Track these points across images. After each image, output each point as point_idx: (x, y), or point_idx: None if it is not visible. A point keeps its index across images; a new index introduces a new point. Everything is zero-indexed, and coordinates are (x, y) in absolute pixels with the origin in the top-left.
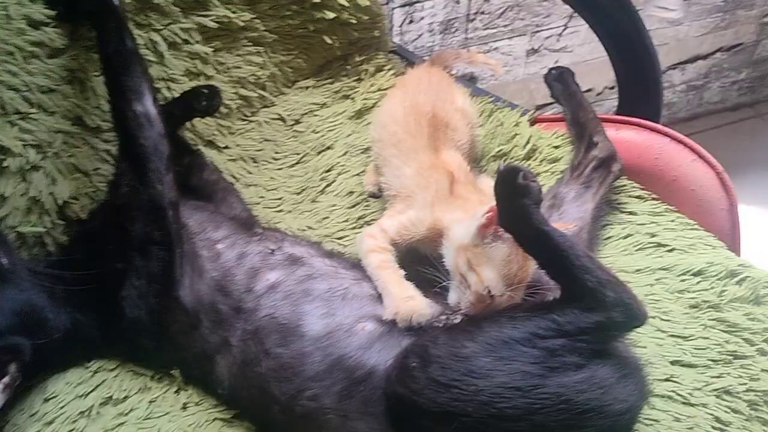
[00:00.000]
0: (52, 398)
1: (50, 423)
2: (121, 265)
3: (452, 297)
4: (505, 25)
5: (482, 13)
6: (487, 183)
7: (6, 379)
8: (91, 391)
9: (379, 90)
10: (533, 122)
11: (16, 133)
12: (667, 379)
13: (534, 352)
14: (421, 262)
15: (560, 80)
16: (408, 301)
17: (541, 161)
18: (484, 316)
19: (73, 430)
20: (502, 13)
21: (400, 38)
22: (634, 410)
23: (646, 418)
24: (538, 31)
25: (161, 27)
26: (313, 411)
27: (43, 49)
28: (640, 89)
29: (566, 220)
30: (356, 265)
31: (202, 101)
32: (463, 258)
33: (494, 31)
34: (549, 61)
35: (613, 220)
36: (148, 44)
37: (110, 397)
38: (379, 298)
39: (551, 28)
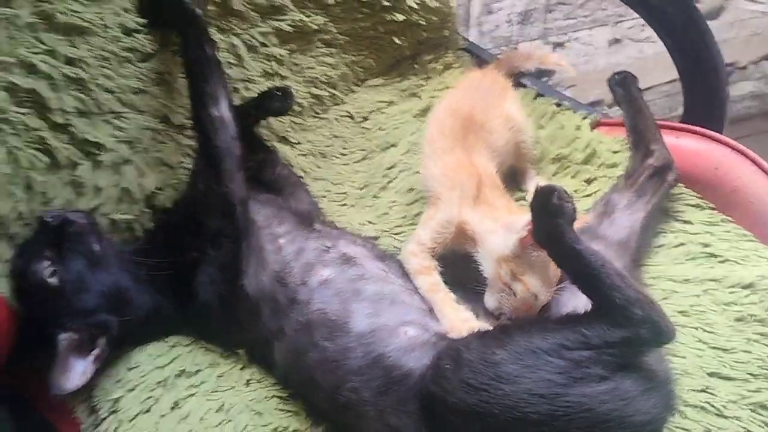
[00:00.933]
0: (134, 368)
1: (132, 390)
2: (196, 254)
3: (491, 303)
4: (586, 16)
5: (562, 3)
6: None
7: (96, 351)
8: (168, 364)
9: (447, 88)
10: (594, 126)
11: (111, 131)
12: (702, 390)
13: (560, 362)
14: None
15: (622, 85)
16: (465, 323)
17: (599, 166)
18: (515, 324)
19: (150, 397)
20: (583, 4)
21: (478, 29)
22: (656, 422)
23: (677, 427)
24: (620, 21)
25: (241, 31)
26: (353, 402)
27: (134, 54)
28: (704, 98)
29: (616, 228)
30: (406, 273)
31: (275, 102)
32: (506, 269)
33: (574, 21)
34: (632, 51)
35: (666, 228)
36: (228, 48)
37: (184, 370)
38: (428, 312)
39: (634, 18)
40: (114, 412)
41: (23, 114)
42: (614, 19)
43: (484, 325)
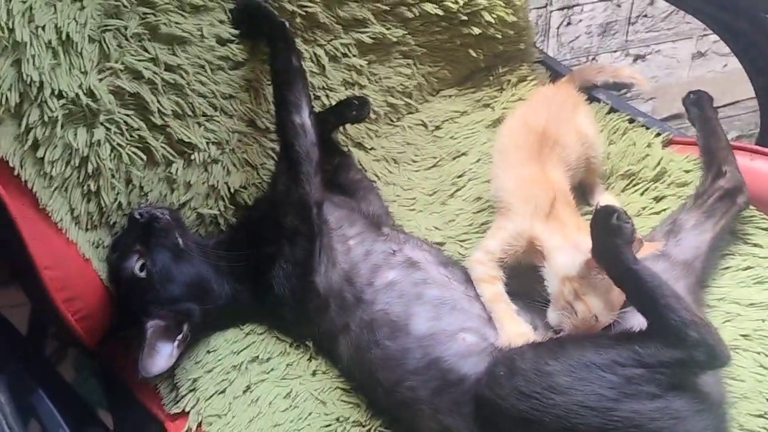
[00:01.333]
0: (213, 351)
1: (210, 371)
2: (273, 250)
3: (553, 319)
4: (669, 29)
5: (645, 16)
6: (606, 201)
7: (180, 336)
8: (243, 350)
9: (520, 99)
10: (667, 144)
11: (203, 132)
12: (760, 416)
13: (612, 377)
14: (520, 274)
15: (697, 104)
16: (521, 337)
17: (669, 184)
18: (570, 338)
19: (225, 379)
20: (666, 17)
21: (557, 39)
22: None
23: None
24: (705, 35)
25: (324, 42)
26: (410, 400)
27: (227, 63)
28: None
29: (682, 248)
30: (468, 280)
31: (353, 110)
32: (569, 288)
33: (657, 34)
34: (716, 65)
35: (734, 251)
36: (312, 57)
37: (257, 357)
38: (487, 320)
39: None
40: (193, 390)
41: (127, 115)
42: (698, 32)
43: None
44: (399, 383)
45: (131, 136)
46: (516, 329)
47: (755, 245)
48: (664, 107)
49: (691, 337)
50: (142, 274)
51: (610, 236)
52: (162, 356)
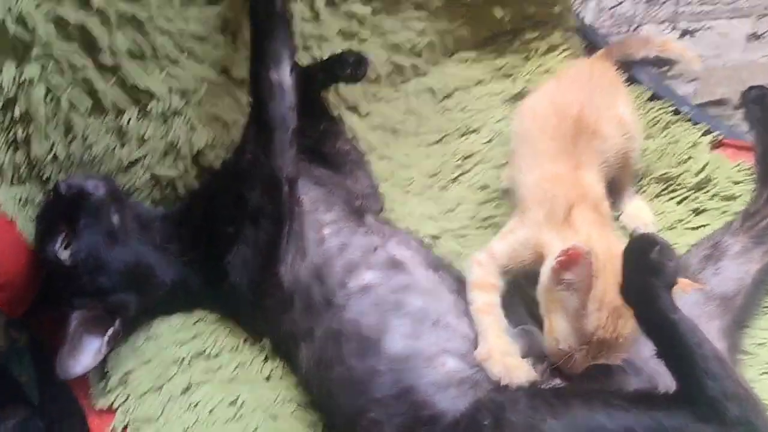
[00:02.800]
0: (153, 338)
1: (146, 363)
2: (232, 230)
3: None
4: (727, 3)
5: None
6: (636, 207)
7: (110, 332)
8: (189, 341)
9: (547, 72)
10: (716, 146)
11: (164, 78)
12: None
13: None
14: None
15: (761, 102)
16: (504, 356)
17: (713, 196)
18: (575, 391)
19: (163, 375)
20: None
21: (597, 3)
22: None
23: None
24: (766, 15)
25: None
26: None
27: None
28: None
29: (722, 278)
30: (460, 290)
31: (347, 69)
32: (543, 301)
33: (712, 8)
34: None
35: None
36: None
37: (204, 351)
38: (474, 342)
39: None
40: (124, 384)
41: (69, 51)
42: (759, 11)
43: (526, 370)
44: (361, 413)
45: (73, 76)
46: (499, 346)
47: None
48: (707, 91)
49: (730, 412)
50: (67, 260)
51: (647, 274)
52: (87, 353)
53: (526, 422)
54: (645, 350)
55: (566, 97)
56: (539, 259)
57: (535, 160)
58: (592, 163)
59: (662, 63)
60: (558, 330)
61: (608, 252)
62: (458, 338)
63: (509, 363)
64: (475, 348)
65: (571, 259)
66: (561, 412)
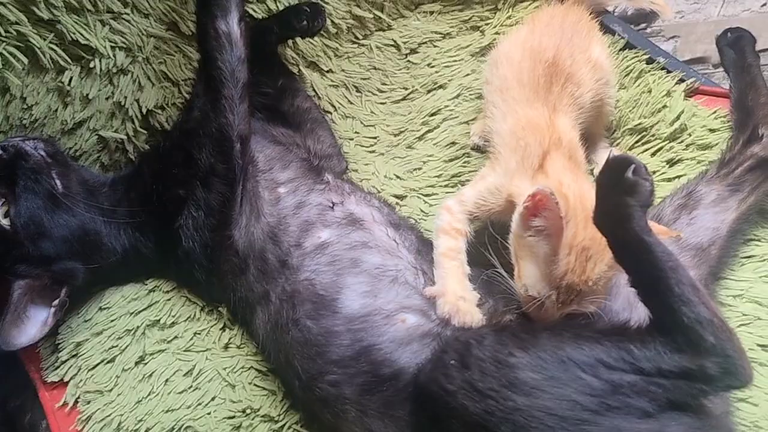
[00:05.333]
0: (105, 308)
1: (98, 334)
2: (182, 192)
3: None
4: None
5: None
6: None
7: (56, 302)
8: (143, 310)
9: (518, 24)
10: (691, 93)
11: (106, 34)
12: None
13: (594, 381)
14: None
15: (735, 46)
16: (459, 301)
17: (689, 146)
18: (544, 326)
19: (116, 346)
20: None
21: None
22: None
23: None
24: None
25: None
26: (332, 398)
27: None
28: None
29: (696, 228)
30: (422, 250)
31: (303, 20)
32: (513, 248)
33: None
34: (753, 2)
35: (762, 236)
36: None
37: (158, 320)
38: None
39: None
40: (75, 355)
41: (1, 4)
42: None
43: (477, 317)
44: (319, 376)
45: (7, 31)
46: (458, 291)
47: None
48: (687, 49)
49: (705, 341)
50: (6, 224)
51: (621, 194)
52: (33, 324)
53: (493, 356)
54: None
55: (540, 42)
56: (510, 207)
57: (509, 107)
58: (567, 108)
59: (639, 20)
60: (527, 276)
61: (579, 196)
62: (418, 295)
63: (461, 306)
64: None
65: (538, 204)
66: (529, 345)
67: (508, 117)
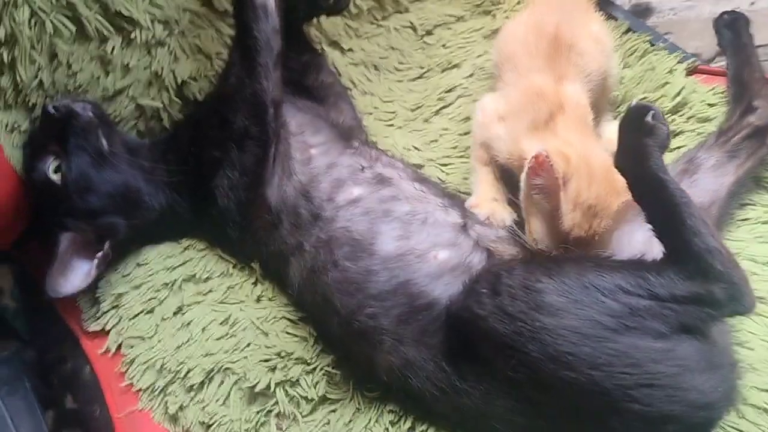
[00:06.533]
0: (143, 264)
1: (137, 287)
2: (218, 154)
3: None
4: None
5: None
6: (615, 132)
7: (100, 254)
8: (179, 266)
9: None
10: (690, 72)
11: (147, 7)
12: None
13: (613, 305)
14: None
15: (732, 28)
16: (491, 203)
17: (689, 118)
18: (569, 257)
19: (154, 298)
20: None
21: None
22: (713, 410)
23: (732, 428)
24: None
25: None
26: (370, 329)
27: None
28: None
29: (697, 190)
30: (448, 194)
31: None
32: (523, 205)
33: None
34: (742, 2)
35: (756, 201)
36: None
37: (193, 275)
38: (462, 228)
39: None
40: (116, 306)
41: None
42: None
43: (508, 213)
44: (358, 310)
45: (57, 1)
46: (488, 194)
47: None
48: (680, 45)
49: (714, 269)
50: (57, 179)
51: (642, 135)
52: (77, 274)
53: (522, 283)
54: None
55: (541, 19)
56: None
57: (520, 75)
58: (575, 76)
59: (636, 16)
60: (536, 231)
61: (584, 157)
62: (447, 230)
63: (494, 206)
64: (465, 236)
65: (538, 165)
66: (555, 273)
67: (520, 83)
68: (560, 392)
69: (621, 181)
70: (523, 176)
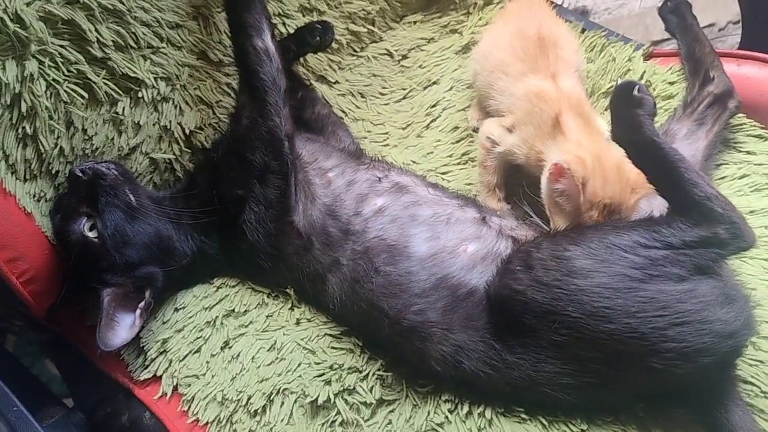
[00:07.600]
0: (181, 308)
1: (180, 330)
2: (242, 192)
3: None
4: None
5: None
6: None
7: (143, 304)
8: (216, 304)
9: (488, 24)
10: (647, 57)
11: (149, 66)
12: None
13: (635, 258)
14: None
15: (676, 12)
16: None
17: (655, 98)
18: (588, 225)
19: (200, 337)
20: None
21: None
22: (737, 337)
23: (750, 358)
24: None
25: None
26: (419, 324)
27: None
28: (765, 23)
29: None
30: (460, 195)
31: (316, 36)
32: (546, 204)
33: None
34: None
35: (729, 160)
36: None
37: (232, 310)
38: (482, 221)
39: None
40: (163, 352)
41: (62, 47)
42: None
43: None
44: (405, 309)
45: (68, 70)
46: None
47: (748, 153)
48: None
49: (715, 212)
50: (94, 238)
51: (632, 107)
52: (123, 327)
53: (551, 255)
54: None
55: (519, 26)
56: (534, 163)
57: (515, 79)
58: (565, 70)
59: (580, 13)
60: (560, 227)
61: (597, 156)
62: (471, 226)
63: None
64: (487, 227)
65: (558, 173)
66: (578, 239)
67: (519, 85)
68: (603, 345)
69: (632, 176)
70: (544, 181)
